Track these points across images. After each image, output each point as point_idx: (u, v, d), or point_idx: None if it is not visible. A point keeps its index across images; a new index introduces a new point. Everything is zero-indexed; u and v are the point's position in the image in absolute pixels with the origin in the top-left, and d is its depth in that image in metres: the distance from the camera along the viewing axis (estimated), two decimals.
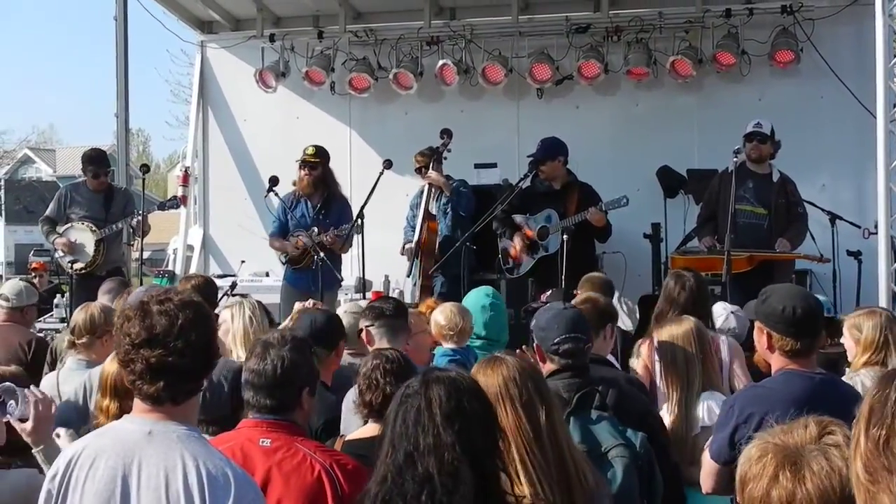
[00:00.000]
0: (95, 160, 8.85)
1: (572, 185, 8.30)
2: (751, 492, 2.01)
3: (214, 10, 10.92)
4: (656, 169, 9.50)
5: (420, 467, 2.42)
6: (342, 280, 8.16)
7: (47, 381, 5.06)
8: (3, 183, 37.06)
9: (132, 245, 9.14)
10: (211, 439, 2.92)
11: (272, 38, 10.67)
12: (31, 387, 3.41)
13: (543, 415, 2.84)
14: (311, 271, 7.80)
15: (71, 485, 2.60)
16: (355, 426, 3.79)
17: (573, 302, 4.69)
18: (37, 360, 6.09)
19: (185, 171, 11.06)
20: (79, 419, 4.36)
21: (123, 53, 10.32)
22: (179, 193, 10.51)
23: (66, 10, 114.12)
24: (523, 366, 2.97)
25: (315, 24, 10.77)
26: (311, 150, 8.46)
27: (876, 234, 7.31)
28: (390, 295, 8.65)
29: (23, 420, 3.25)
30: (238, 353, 4.53)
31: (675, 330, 4.46)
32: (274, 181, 8.22)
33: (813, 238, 8.15)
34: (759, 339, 3.77)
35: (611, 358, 4.83)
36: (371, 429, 3.53)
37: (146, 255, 9.33)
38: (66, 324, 8.61)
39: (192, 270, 10.49)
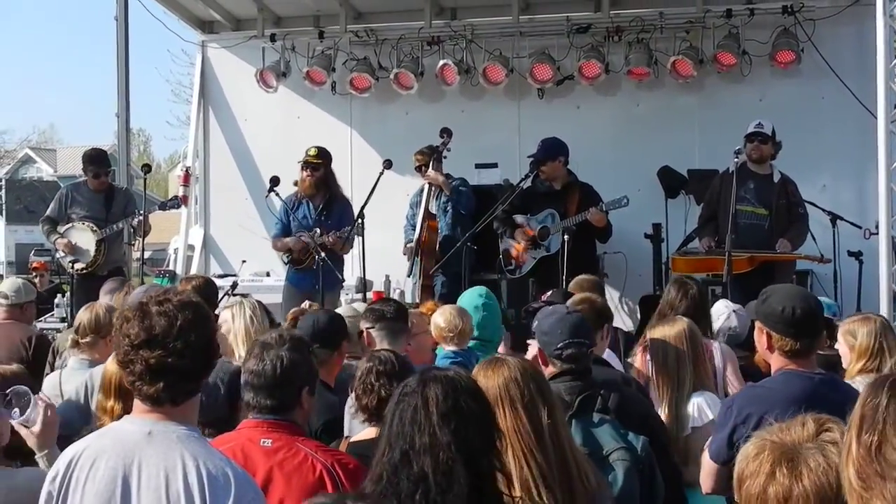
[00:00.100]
0: (96, 160, 8.86)
1: (573, 185, 8.31)
2: (748, 489, 2.01)
3: (215, 9, 10.93)
4: (657, 169, 9.50)
5: (415, 466, 2.42)
6: (344, 281, 8.17)
7: (50, 381, 5.05)
8: (3, 182, 37.03)
9: (133, 245, 9.15)
10: (211, 440, 2.92)
11: (273, 38, 10.67)
12: (41, 393, 3.40)
13: (546, 415, 2.85)
14: (314, 272, 7.80)
15: (71, 486, 2.60)
16: (359, 428, 3.79)
17: (569, 301, 4.72)
18: (38, 357, 6.10)
19: (186, 170, 11.07)
20: (80, 418, 4.37)
21: (124, 53, 10.32)
22: (180, 193, 10.51)
23: (66, 10, 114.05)
24: (525, 367, 2.97)
25: (316, 24, 10.78)
26: (313, 152, 8.46)
27: (877, 234, 7.30)
28: (391, 295, 8.67)
29: (27, 425, 3.25)
30: (240, 353, 4.53)
31: (668, 330, 4.47)
32: (275, 181, 8.22)
33: (814, 238, 8.15)
34: (759, 340, 3.78)
35: (612, 358, 4.85)
36: (374, 431, 3.53)
37: (147, 254, 9.33)
38: (66, 323, 8.63)
39: (193, 270, 10.49)
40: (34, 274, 13.76)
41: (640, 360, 4.73)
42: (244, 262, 9.58)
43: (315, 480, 3.10)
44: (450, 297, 6.99)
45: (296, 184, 8.48)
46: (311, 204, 8.47)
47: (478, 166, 9.81)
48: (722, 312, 5.54)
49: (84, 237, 8.68)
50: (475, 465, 2.45)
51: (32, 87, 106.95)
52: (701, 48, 9.57)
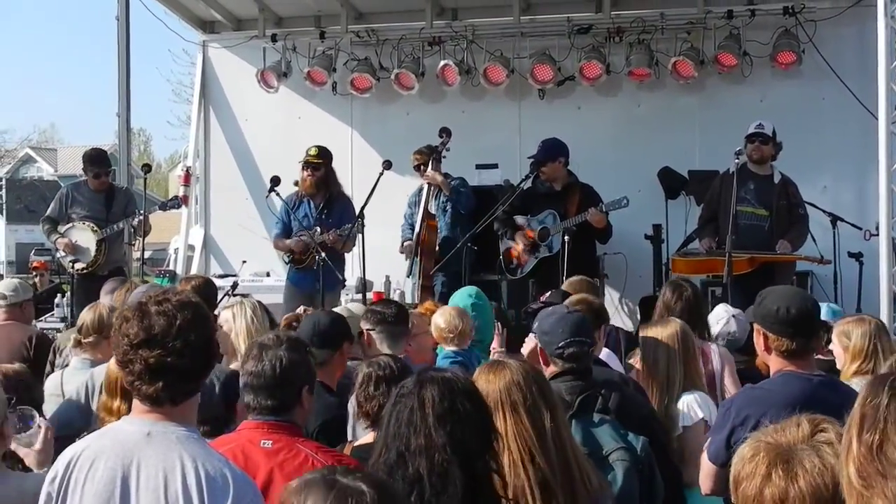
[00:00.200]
0: (96, 160, 8.86)
1: (573, 186, 8.31)
2: (744, 491, 2.01)
3: (216, 9, 10.93)
4: (658, 170, 9.50)
5: (411, 468, 2.43)
6: (345, 281, 8.16)
7: (51, 381, 5.06)
8: (4, 182, 37.05)
9: (133, 245, 9.15)
10: (211, 441, 2.92)
11: (274, 38, 10.67)
12: (40, 419, 3.39)
13: (548, 418, 2.84)
14: (314, 271, 7.80)
15: (70, 486, 2.60)
16: (362, 432, 3.78)
17: (566, 302, 4.72)
18: (39, 357, 6.09)
19: (187, 170, 11.08)
20: (80, 417, 4.37)
21: (125, 53, 10.33)
22: (181, 193, 10.52)
23: (66, 10, 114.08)
24: (527, 369, 2.97)
25: (317, 25, 10.78)
26: (313, 151, 8.47)
27: (877, 235, 7.29)
28: (391, 295, 8.68)
29: (26, 444, 3.26)
30: (242, 352, 4.52)
31: (660, 331, 4.48)
32: (275, 181, 8.22)
33: (814, 240, 8.14)
34: (758, 341, 3.79)
35: (612, 359, 4.85)
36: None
37: (147, 254, 9.34)
38: (66, 323, 8.64)
39: (193, 270, 10.49)
40: (34, 273, 13.78)
41: (639, 360, 4.74)
42: (244, 262, 9.57)
43: None
44: (449, 297, 6.99)
45: (296, 184, 8.48)
46: (311, 203, 8.48)
47: (478, 167, 9.81)
48: (721, 317, 5.54)
49: (84, 237, 8.68)
50: (471, 466, 2.45)
51: (33, 86, 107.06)
52: (702, 49, 9.57)
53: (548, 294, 5.91)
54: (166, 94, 67.19)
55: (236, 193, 10.85)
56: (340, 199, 8.53)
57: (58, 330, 8.25)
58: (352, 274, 8.57)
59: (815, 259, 7.74)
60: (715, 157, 8.66)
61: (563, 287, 6.33)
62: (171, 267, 11.67)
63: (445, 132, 8.84)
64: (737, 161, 7.57)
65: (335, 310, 5.54)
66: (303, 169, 8.45)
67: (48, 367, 5.81)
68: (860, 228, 8.39)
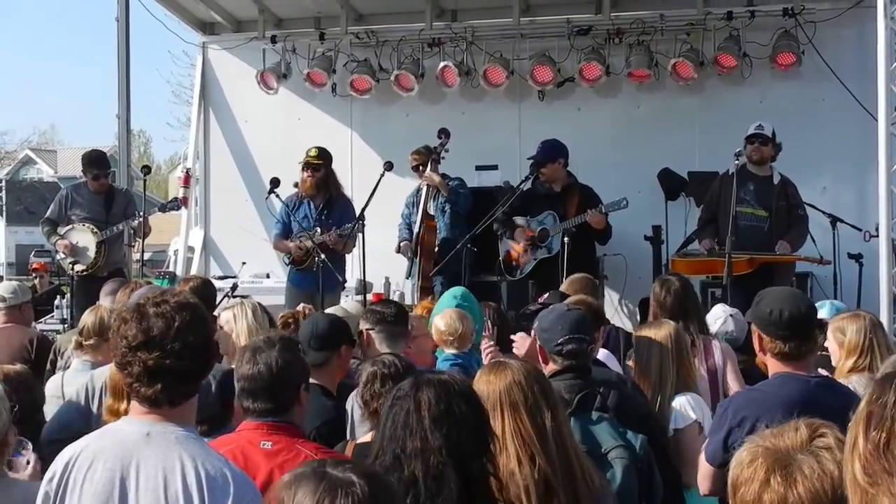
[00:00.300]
0: (96, 162, 8.86)
1: (573, 187, 8.31)
2: (743, 496, 2.01)
3: (216, 11, 10.93)
4: (657, 171, 9.51)
5: (406, 470, 2.42)
6: (345, 282, 8.17)
7: (52, 383, 5.06)
8: (4, 184, 37.07)
9: (133, 246, 9.15)
10: (210, 442, 2.92)
11: (274, 40, 10.67)
12: (32, 453, 3.39)
13: (549, 418, 2.84)
14: (315, 272, 7.80)
15: (69, 487, 2.59)
16: (364, 431, 3.78)
17: (566, 302, 4.73)
18: (40, 359, 6.10)
19: (187, 172, 11.07)
20: (80, 419, 4.37)
21: (125, 54, 10.32)
22: (180, 195, 10.52)
23: (66, 10, 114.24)
24: (528, 369, 2.97)
25: (316, 26, 10.78)
26: (313, 152, 8.47)
27: (877, 236, 7.29)
28: (391, 296, 8.67)
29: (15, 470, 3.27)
30: None
31: (653, 332, 4.49)
32: (275, 182, 8.22)
33: (813, 241, 8.15)
34: (755, 342, 3.80)
35: (611, 359, 4.85)
36: None
37: (147, 256, 9.33)
38: (65, 325, 8.63)
39: (193, 272, 10.49)
40: (34, 275, 13.76)
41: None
42: (244, 263, 9.58)
43: None
44: None
45: (296, 185, 8.48)
46: (311, 204, 8.48)
47: (478, 168, 9.81)
48: (719, 317, 5.54)
49: (84, 238, 8.68)
50: (466, 469, 2.45)
51: (33, 87, 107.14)
52: (701, 50, 9.57)
53: (545, 295, 5.91)
54: (166, 95, 67.22)
55: (236, 195, 10.85)
56: (340, 200, 8.54)
57: (57, 332, 8.26)
58: (351, 275, 8.58)
59: (815, 260, 7.74)
60: (714, 158, 8.66)
61: (563, 285, 6.34)
62: (170, 268, 11.68)
63: (444, 133, 8.83)
64: (736, 162, 7.57)
65: (330, 310, 5.54)
66: (303, 170, 8.45)
67: (48, 368, 5.82)
68: (860, 229, 8.39)
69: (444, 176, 8.83)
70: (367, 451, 3.32)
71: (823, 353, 4.38)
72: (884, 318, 6.69)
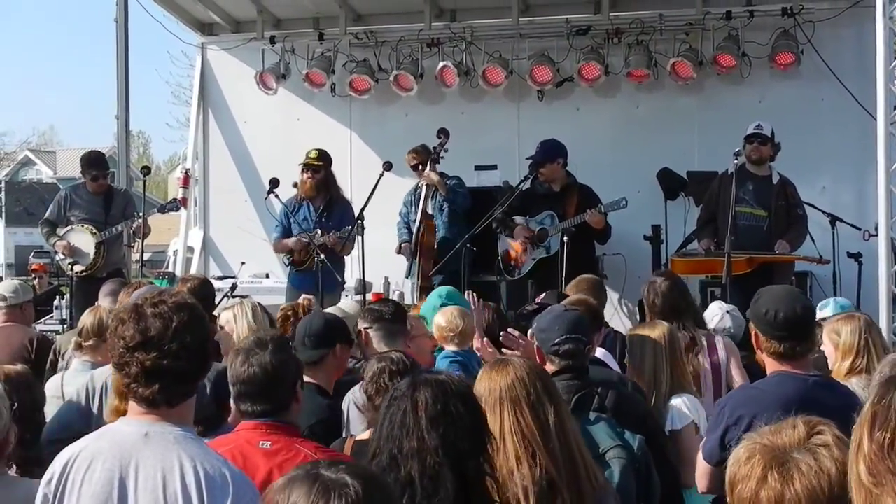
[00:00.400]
0: (95, 163, 8.86)
1: (572, 186, 8.31)
2: (740, 493, 2.01)
3: (215, 11, 10.93)
4: (657, 171, 9.50)
5: (403, 470, 2.42)
6: (344, 283, 8.17)
7: (52, 383, 5.07)
8: (3, 185, 37.04)
9: (132, 247, 9.15)
10: (208, 442, 2.92)
11: (273, 40, 10.67)
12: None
13: (553, 413, 2.84)
14: (314, 273, 7.81)
15: (67, 488, 2.59)
16: (360, 430, 3.78)
17: (564, 303, 4.73)
18: (40, 359, 6.10)
19: (186, 172, 11.07)
20: (80, 419, 4.37)
21: (124, 55, 10.32)
22: (180, 195, 10.53)
23: (66, 10, 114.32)
24: (531, 366, 2.97)
25: (315, 26, 10.77)
26: (313, 154, 8.48)
27: (876, 236, 7.29)
28: (390, 296, 8.66)
29: None
30: None
31: (647, 332, 4.49)
32: (274, 183, 8.22)
33: (813, 240, 8.15)
34: (753, 340, 3.81)
35: (610, 359, 4.85)
36: None
37: (146, 256, 9.33)
38: (65, 325, 8.63)
39: (192, 272, 10.48)
40: (33, 276, 13.74)
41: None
42: (243, 263, 9.57)
43: None
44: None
45: (295, 185, 8.49)
46: (311, 206, 8.49)
47: (477, 168, 9.82)
48: (716, 314, 5.55)
49: (83, 239, 8.68)
50: (463, 469, 2.45)
51: (32, 87, 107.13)
52: (700, 50, 9.57)
53: (542, 296, 5.92)
54: (165, 96, 67.29)
55: (235, 195, 10.84)
56: (340, 201, 8.55)
57: (57, 332, 8.25)
58: (351, 275, 8.58)
59: (814, 259, 7.74)
60: (714, 157, 8.66)
61: (569, 286, 6.34)
62: (170, 269, 11.66)
63: (443, 133, 8.83)
64: (735, 162, 7.58)
65: (328, 310, 5.54)
66: (303, 171, 8.46)
67: (48, 369, 5.82)
68: (859, 229, 8.40)
69: (441, 175, 8.84)
70: (366, 448, 3.34)
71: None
72: (883, 317, 6.70)
